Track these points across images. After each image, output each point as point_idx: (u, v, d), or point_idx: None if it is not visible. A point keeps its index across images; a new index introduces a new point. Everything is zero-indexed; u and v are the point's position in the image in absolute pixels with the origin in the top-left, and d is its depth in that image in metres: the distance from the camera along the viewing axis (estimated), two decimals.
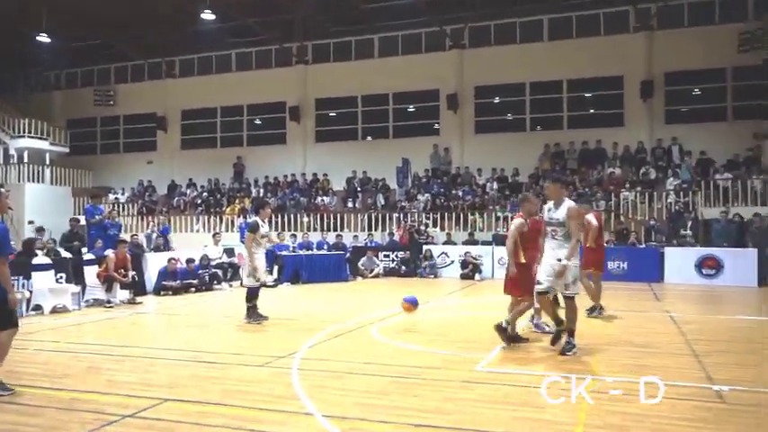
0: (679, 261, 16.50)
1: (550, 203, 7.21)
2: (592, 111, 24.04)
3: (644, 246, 17.94)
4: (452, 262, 18.62)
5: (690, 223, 18.26)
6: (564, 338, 7.18)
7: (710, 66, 22.04)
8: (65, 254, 13.57)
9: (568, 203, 7.11)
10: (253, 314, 9.82)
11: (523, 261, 7.45)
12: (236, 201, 25.35)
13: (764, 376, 6.15)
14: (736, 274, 15.72)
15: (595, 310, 10.12)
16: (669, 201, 19.94)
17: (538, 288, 7.14)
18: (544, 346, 7.51)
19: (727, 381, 5.87)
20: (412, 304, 9.59)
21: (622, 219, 19.59)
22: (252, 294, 9.91)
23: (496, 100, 25.11)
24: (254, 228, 9.98)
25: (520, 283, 7.50)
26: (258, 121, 28.54)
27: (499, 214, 20.84)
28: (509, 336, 7.41)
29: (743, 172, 19.85)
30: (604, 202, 20.23)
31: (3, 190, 5.84)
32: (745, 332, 8.92)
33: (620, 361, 6.79)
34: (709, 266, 16.14)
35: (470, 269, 17.79)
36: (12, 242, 11.95)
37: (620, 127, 23.03)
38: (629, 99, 22.98)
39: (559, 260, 6.94)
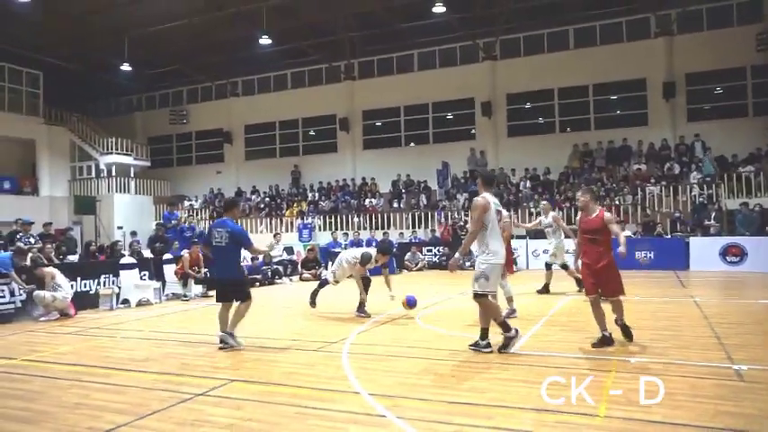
0: (704, 250, 15.95)
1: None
2: (618, 112, 23.42)
3: (669, 236, 17.39)
4: None
5: (714, 214, 17.60)
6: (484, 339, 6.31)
7: (730, 65, 21.19)
8: (147, 254, 14.04)
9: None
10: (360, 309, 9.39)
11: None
12: (295, 204, 25.73)
13: None
14: (758, 261, 15.10)
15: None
16: (693, 194, 19.26)
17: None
18: (577, 328, 7.39)
19: (747, 360, 5.67)
20: (410, 304, 8.88)
21: (648, 211, 19.04)
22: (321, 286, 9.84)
23: (527, 105, 24.74)
24: (365, 260, 9.33)
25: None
26: (312, 133, 28.87)
27: (532, 210, 20.53)
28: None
29: (764, 164, 19.01)
30: (631, 196, 19.72)
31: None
32: (766, 315, 8.56)
33: (642, 343, 6.62)
34: (734, 254, 15.55)
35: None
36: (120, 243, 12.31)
37: (645, 126, 22.37)
38: (652, 100, 22.30)
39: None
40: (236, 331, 7.06)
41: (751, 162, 19.40)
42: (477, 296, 6.19)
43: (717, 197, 18.82)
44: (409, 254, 18.98)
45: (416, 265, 18.78)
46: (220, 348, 6.87)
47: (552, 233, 11.40)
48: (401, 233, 21.38)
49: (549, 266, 11.64)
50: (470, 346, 6.34)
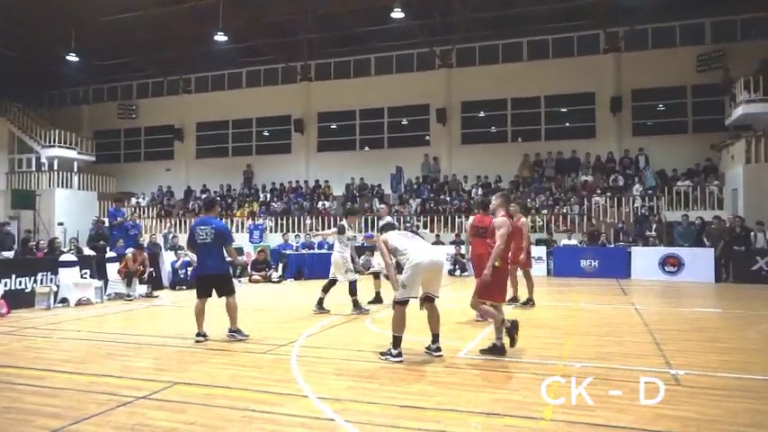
0: (645, 259, 16.52)
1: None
2: (567, 124, 24.05)
3: (613, 245, 17.96)
4: None
5: (654, 225, 18.29)
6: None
7: (672, 84, 22.10)
8: (88, 252, 13.53)
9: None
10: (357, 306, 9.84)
11: (498, 265, 6.50)
12: (246, 205, 25.33)
13: (717, 362, 6.15)
14: (695, 271, 15.74)
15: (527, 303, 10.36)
16: (636, 205, 19.97)
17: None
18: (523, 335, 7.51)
19: (684, 365, 5.88)
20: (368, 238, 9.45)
21: (594, 221, 19.63)
22: (353, 288, 9.96)
23: (481, 114, 25.12)
24: (341, 230, 10.14)
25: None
26: (266, 133, 28.51)
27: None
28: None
29: (701, 179, 19.90)
30: (578, 206, 20.27)
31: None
32: (702, 323, 8.93)
33: (586, 349, 6.78)
34: (672, 264, 16.16)
35: (457, 266, 17.83)
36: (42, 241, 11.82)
37: (592, 138, 23.05)
38: (600, 113, 23.01)
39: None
40: (203, 329, 7.42)
41: (690, 177, 20.26)
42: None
43: (657, 209, 19.57)
44: (363, 257, 18.92)
45: (369, 269, 18.71)
46: (196, 341, 7.20)
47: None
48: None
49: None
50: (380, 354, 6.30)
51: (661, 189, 20.09)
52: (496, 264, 6.35)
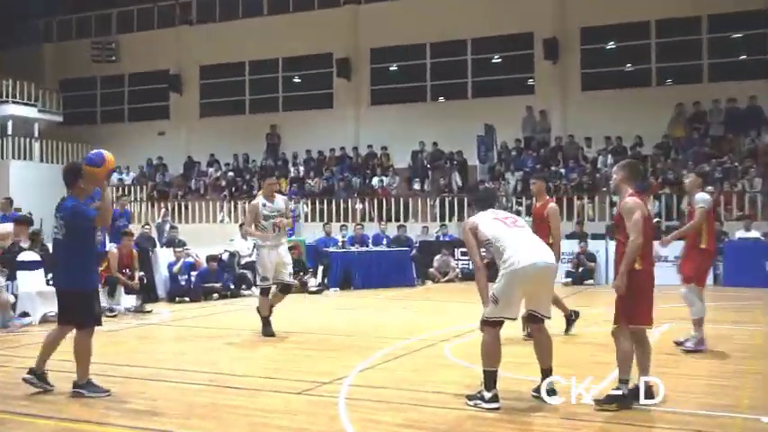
0: None
1: None
2: (743, 57, 23.23)
3: None
4: None
5: None
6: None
7: None
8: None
9: None
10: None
11: (638, 267, 6.23)
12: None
13: None
14: None
15: None
16: None
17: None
18: (672, 372, 7.31)
19: None
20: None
21: None
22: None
23: (611, 45, 24.51)
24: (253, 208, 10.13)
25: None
26: (297, 79, 28.83)
27: (615, 198, 20.39)
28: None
29: None
30: (761, 180, 19.55)
31: None
32: None
33: None
34: None
35: (580, 271, 17.64)
36: None
37: None
38: None
39: None
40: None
41: None
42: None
43: None
44: (437, 258, 18.92)
45: (446, 274, 18.72)
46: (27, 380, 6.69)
47: None
48: (424, 227, 21.28)
49: None
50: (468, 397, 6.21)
51: None
52: (637, 266, 6.17)
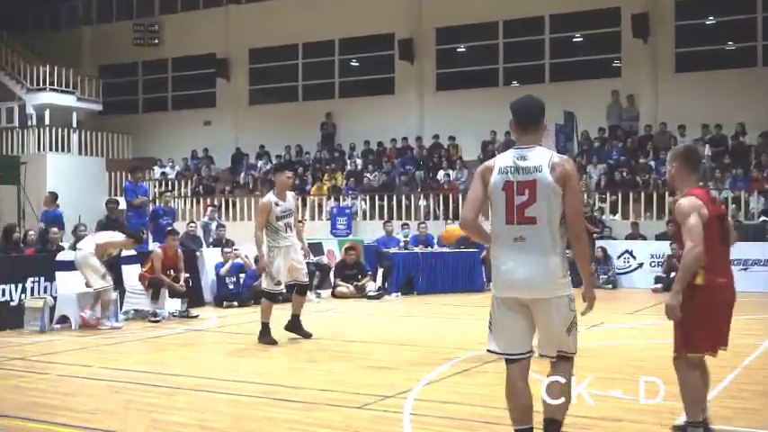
0: None
1: None
2: None
3: None
4: (640, 265, 18.18)
5: None
6: None
7: None
8: None
9: None
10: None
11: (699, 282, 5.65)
12: (325, 177, 25.86)
13: None
14: None
15: None
16: None
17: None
18: None
19: None
20: None
21: None
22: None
23: (709, 20, 24.00)
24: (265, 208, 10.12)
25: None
26: (355, 63, 28.93)
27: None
28: None
29: None
30: None
31: None
32: None
33: None
34: None
35: (672, 277, 17.27)
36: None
37: None
38: None
39: None
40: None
41: None
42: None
43: None
44: None
45: None
46: None
47: None
48: None
49: None
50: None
51: None
52: (698, 280, 5.52)
